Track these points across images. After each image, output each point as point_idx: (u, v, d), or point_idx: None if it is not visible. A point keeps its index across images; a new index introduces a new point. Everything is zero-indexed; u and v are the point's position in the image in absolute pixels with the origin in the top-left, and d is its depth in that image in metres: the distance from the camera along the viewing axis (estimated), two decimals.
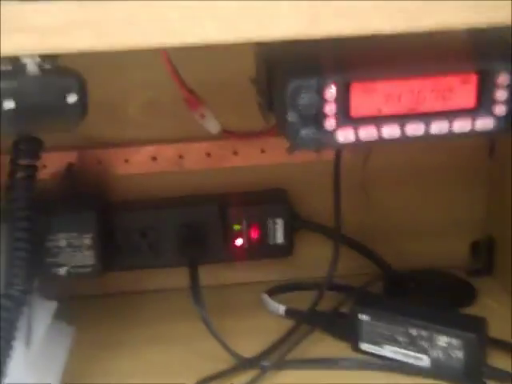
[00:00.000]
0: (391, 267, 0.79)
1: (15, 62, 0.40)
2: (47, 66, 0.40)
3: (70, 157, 0.74)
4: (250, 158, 0.77)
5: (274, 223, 0.76)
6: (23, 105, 0.39)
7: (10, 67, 0.40)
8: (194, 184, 0.77)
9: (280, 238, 0.76)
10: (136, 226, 0.74)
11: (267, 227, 0.76)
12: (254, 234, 0.76)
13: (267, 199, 0.77)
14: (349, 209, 0.75)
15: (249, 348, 0.67)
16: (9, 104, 0.39)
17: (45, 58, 0.40)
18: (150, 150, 0.76)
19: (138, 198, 0.76)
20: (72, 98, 0.40)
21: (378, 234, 0.78)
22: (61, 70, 0.41)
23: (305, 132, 0.43)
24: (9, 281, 0.51)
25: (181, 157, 0.76)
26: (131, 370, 0.66)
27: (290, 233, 0.77)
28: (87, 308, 0.75)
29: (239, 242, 0.76)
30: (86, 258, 0.69)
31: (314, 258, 0.81)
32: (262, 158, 0.77)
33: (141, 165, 0.76)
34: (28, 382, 0.55)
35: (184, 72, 0.66)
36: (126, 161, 0.75)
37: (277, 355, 0.66)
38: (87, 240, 0.69)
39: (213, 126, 0.70)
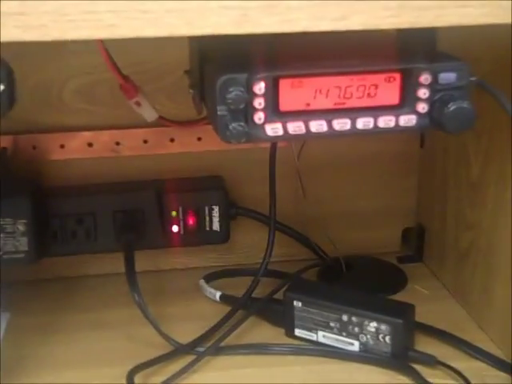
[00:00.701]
0: (326, 254, 0.81)
1: None
2: None
3: (5, 141, 0.73)
4: (187, 145, 0.77)
5: (211, 210, 0.77)
6: None
7: None
8: (130, 170, 0.77)
9: (216, 224, 0.77)
10: (72, 212, 0.74)
11: (204, 214, 0.76)
12: (191, 221, 0.76)
13: (204, 186, 0.78)
14: (284, 196, 0.77)
15: (185, 334, 0.68)
16: None
17: None
18: (86, 135, 0.75)
19: (74, 183, 0.76)
20: None
21: (312, 221, 0.80)
22: None
23: (234, 125, 0.44)
24: None
25: (117, 143, 0.76)
26: (66, 356, 0.66)
27: (226, 219, 0.78)
28: (22, 294, 0.74)
29: (176, 228, 0.76)
30: (20, 244, 0.69)
31: (250, 244, 0.83)
32: (198, 145, 0.78)
33: (77, 150, 0.75)
34: None
35: (120, 60, 0.66)
36: (62, 146, 0.75)
37: (212, 341, 0.67)
38: (21, 226, 0.68)
39: (149, 114, 0.70)
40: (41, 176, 0.75)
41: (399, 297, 0.76)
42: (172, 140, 0.77)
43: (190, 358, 0.65)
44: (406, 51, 0.48)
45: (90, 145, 0.75)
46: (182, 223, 0.76)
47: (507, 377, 0.63)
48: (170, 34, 0.41)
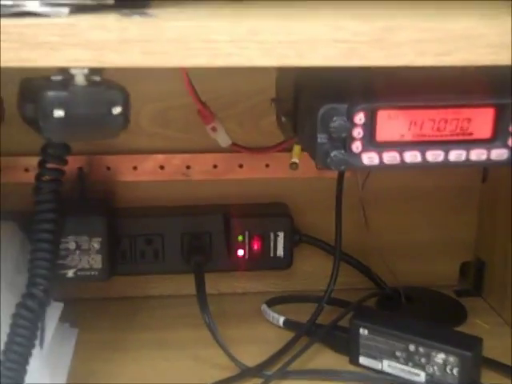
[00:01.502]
0: (385, 284, 0.82)
1: (64, 72, 0.42)
2: (94, 78, 0.42)
3: (80, 162, 0.75)
4: (255, 171, 0.79)
5: (276, 236, 0.78)
6: (72, 114, 0.41)
7: (59, 77, 0.42)
8: (199, 194, 0.79)
9: (280, 250, 0.79)
10: (142, 233, 0.75)
11: (269, 239, 0.78)
12: (256, 246, 0.78)
13: (269, 212, 0.79)
14: (346, 225, 0.78)
15: (248, 357, 0.69)
16: (59, 112, 0.41)
17: (92, 70, 0.42)
18: (158, 158, 0.77)
19: (144, 205, 0.78)
20: (116, 110, 0.42)
21: (373, 251, 0.81)
22: (107, 83, 0.43)
23: (335, 153, 0.45)
24: (32, 281, 0.52)
25: (188, 167, 0.78)
26: (134, 375, 0.67)
27: (290, 246, 0.79)
28: (91, 311, 0.76)
29: (241, 252, 0.78)
30: (94, 261, 0.70)
31: (311, 272, 0.84)
32: (266, 172, 0.79)
33: (149, 173, 0.77)
34: (41, 381, 0.57)
35: (197, 86, 0.69)
36: (135, 168, 0.77)
37: (278, 365, 0.67)
38: (96, 244, 0.70)
39: (223, 139, 0.72)
40: (113, 196, 0.77)
41: (459, 330, 0.76)
42: (241, 166, 0.79)
43: (256, 381, 0.66)
44: (499, 86, 0.49)
45: (161, 167, 0.77)
46: (247, 247, 0.77)
47: None
48: (281, 64, 0.42)
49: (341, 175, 0.72)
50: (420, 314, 0.80)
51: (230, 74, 0.73)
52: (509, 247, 0.78)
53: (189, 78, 0.66)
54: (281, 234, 0.78)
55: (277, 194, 0.81)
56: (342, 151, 0.46)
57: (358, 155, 0.47)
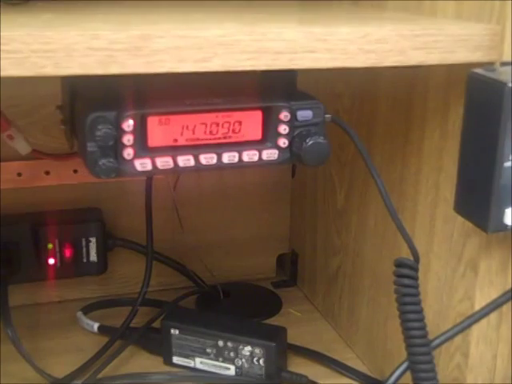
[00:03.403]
0: (203, 282, 0.83)
1: None
2: None
3: None
4: (63, 177, 0.78)
5: (88, 241, 0.77)
6: None
7: None
8: (5, 204, 0.76)
9: (93, 256, 0.78)
10: None
11: (81, 246, 0.77)
12: (68, 253, 0.77)
13: (80, 218, 0.78)
14: (161, 226, 0.79)
15: (61, 367, 0.68)
16: None
17: None
18: None
19: None
20: None
21: (189, 250, 0.82)
22: None
23: (103, 161, 0.45)
24: None
25: None
26: None
27: (103, 251, 0.78)
28: None
29: (52, 261, 0.76)
30: None
31: (128, 275, 0.84)
32: (74, 178, 0.78)
33: None
34: None
35: None
36: None
37: (90, 373, 0.67)
38: None
39: (22, 147, 0.70)
40: None
41: (274, 320, 0.79)
42: (47, 173, 0.77)
43: None
44: (267, 90, 0.51)
45: None
46: (58, 255, 0.76)
47: None
48: (36, 74, 0.42)
49: (149, 178, 0.73)
50: (237, 308, 0.82)
51: (31, 79, 0.70)
52: (317, 238, 0.82)
53: None
54: (93, 240, 0.77)
55: (88, 199, 0.80)
56: (111, 159, 0.46)
57: (131, 162, 0.47)
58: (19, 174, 0.76)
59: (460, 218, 0.54)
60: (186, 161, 0.48)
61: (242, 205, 0.86)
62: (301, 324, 0.79)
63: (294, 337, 0.73)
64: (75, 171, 0.78)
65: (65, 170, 0.77)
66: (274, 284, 0.88)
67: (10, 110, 0.70)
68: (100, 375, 0.67)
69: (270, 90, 0.51)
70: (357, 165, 0.70)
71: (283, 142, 0.50)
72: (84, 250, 0.77)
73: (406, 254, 0.63)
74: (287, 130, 0.50)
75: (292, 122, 0.50)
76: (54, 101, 0.73)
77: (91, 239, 0.77)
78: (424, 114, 0.59)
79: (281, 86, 0.52)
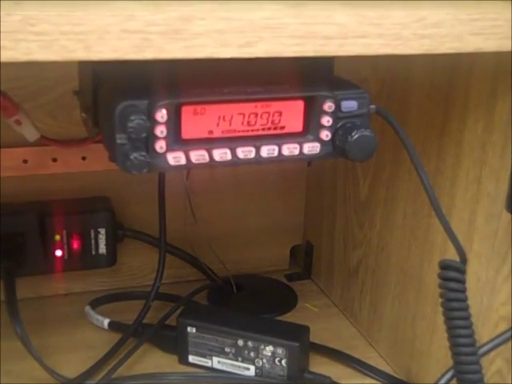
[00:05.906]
0: (215, 274, 0.80)
1: None
2: None
3: None
4: (71, 165, 0.73)
5: (97, 232, 0.73)
6: None
7: None
8: (9, 192, 0.72)
9: (102, 247, 0.74)
10: None
11: (89, 237, 0.73)
12: (75, 245, 0.73)
13: (88, 208, 0.74)
14: (173, 216, 0.74)
15: (71, 366, 0.64)
16: None
17: None
18: None
19: None
20: None
21: (201, 241, 0.78)
22: None
23: (135, 155, 0.41)
24: None
25: None
26: None
27: (113, 242, 0.74)
28: None
29: (59, 252, 0.72)
30: None
31: (138, 266, 0.80)
32: (83, 165, 0.74)
33: None
34: None
35: None
36: None
37: (103, 373, 0.63)
38: None
39: (31, 133, 0.66)
40: None
41: (290, 316, 0.76)
42: (54, 160, 0.73)
43: None
44: (307, 78, 0.47)
45: None
46: (66, 247, 0.72)
47: None
48: (65, 59, 0.38)
49: None
50: (251, 302, 0.79)
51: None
52: (335, 230, 0.78)
53: None
54: (102, 231, 0.73)
55: (97, 187, 0.76)
56: (143, 153, 0.42)
57: (163, 155, 0.43)
58: (25, 161, 0.72)
59: (506, 217, 0.51)
60: (222, 154, 0.44)
61: (256, 193, 0.83)
62: (318, 320, 0.76)
63: (313, 334, 0.69)
64: (83, 158, 0.74)
65: (73, 157, 0.73)
66: (287, 277, 0.85)
67: (14, 92, 0.65)
68: (114, 375, 0.63)
69: (310, 77, 0.47)
70: (383, 156, 0.67)
71: (326, 135, 0.47)
72: (93, 241, 0.73)
73: (439, 251, 0.60)
74: (331, 122, 0.46)
75: (336, 114, 0.46)
76: (61, 83, 0.70)
77: (100, 230, 0.73)
78: (465, 103, 0.55)
79: (320, 73, 0.48)
